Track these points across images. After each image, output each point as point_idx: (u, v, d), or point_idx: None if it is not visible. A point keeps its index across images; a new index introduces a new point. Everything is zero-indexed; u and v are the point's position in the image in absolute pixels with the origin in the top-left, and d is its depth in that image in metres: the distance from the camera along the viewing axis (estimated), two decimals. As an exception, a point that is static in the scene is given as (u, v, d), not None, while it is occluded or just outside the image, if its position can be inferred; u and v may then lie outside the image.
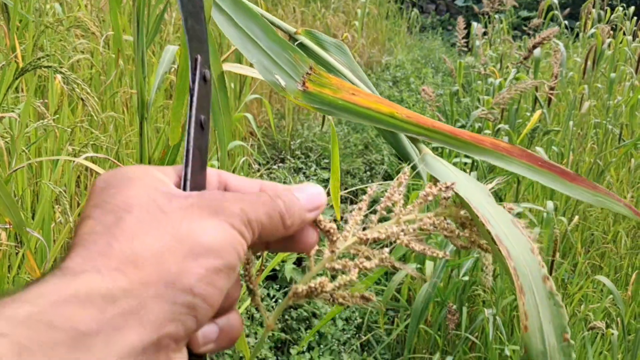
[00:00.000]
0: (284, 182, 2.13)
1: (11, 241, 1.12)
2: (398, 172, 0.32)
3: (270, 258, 1.88)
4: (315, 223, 0.31)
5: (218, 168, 0.35)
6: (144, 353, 0.22)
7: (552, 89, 2.04)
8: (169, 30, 2.48)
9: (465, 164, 2.19)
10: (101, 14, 2.14)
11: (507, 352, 1.54)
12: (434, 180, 0.31)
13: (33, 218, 1.23)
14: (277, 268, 2.07)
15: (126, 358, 0.22)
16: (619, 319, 1.59)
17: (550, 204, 1.78)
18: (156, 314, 0.23)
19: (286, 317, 1.92)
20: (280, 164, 2.97)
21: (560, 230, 1.96)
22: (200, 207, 0.27)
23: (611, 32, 3.14)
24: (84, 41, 1.86)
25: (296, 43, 0.39)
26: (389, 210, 0.31)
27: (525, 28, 3.52)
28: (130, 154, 1.74)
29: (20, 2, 1.26)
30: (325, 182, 2.77)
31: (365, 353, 1.89)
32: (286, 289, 1.99)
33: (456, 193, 0.30)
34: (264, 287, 1.99)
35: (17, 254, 1.16)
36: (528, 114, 2.54)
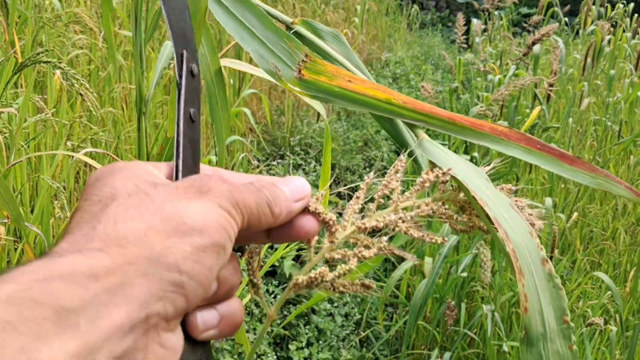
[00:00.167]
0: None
1: (10, 236, 1.12)
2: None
3: (270, 254, 1.88)
4: (316, 214, 0.31)
5: (216, 162, 0.35)
6: (132, 330, 0.22)
7: (551, 85, 2.04)
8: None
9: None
10: (99, 9, 2.14)
11: (506, 348, 1.54)
12: (432, 166, 0.31)
13: (32, 213, 1.23)
14: (277, 264, 2.08)
15: (114, 334, 0.21)
16: (617, 315, 1.59)
17: (548, 201, 1.78)
18: (142, 291, 0.23)
19: (285, 313, 1.92)
20: (279, 160, 2.97)
21: (559, 227, 1.96)
22: (185, 188, 0.27)
23: (611, 29, 3.14)
24: (82, 36, 1.86)
25: (292, 32, 0.39)
26: (387, 198, 0.31)
27: (525, 25, 3.51)
28: (130, 149, 1.74)
29: (18, -4, 1.26)
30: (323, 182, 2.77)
31: (364, 349, 1.90)
32: (285, 284, 1.99)
33: (454, 177, 0.30)
34: (263, 284, 1.99)
35: (16, 249, 1.16)
36: (527, 110, 2.54)
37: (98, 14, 2.08)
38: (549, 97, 2.12)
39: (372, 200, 0.31)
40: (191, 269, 0.24)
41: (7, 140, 1.11)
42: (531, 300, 0.26)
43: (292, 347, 1.79)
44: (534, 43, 1.88)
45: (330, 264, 0.31)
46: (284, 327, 1.86)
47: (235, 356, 1.66)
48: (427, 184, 0.30)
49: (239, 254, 0.32)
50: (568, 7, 4.59)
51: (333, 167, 3.02)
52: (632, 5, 3.65)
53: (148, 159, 0.94)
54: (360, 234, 0.31)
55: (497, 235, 0.28)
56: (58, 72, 1.43)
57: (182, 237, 0.24)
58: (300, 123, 3.35)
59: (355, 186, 0.32)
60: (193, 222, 0.25)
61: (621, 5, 3.53)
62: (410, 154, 0.32)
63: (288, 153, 3.02)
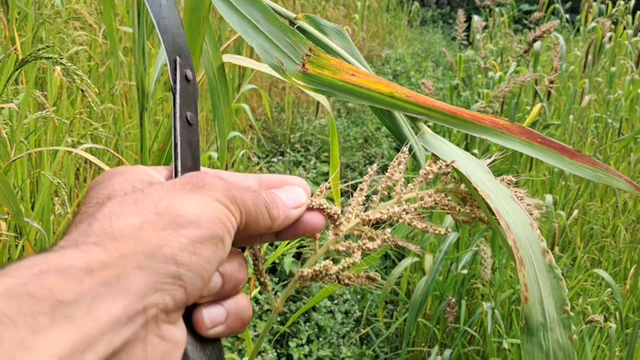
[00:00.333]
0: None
1: (11, 232, 1.12)
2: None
3: (270, 251, 1.88)
4: (320, 209, 0.31)
5: (217, 158, 0.36)
6: (131, 322, 0.22)
7: (551, 82, 2.04)
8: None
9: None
10: (100, 5, 2.13)
11: (506, 345, 1.55)
12: (434, 158, 0.32)
13: (32, 210, 1.23)
14: (277, 261, 2.08)
15: (111, 326, 0.21)
16: (617, 312, 1.59)
17: (549, 198, 1.78)
18: (138, 284, 0.23)
19: (285, 310, 1.92)
20: (279, 157, 2.97)
21: (560, 224, 1.96)
22: (182, 184, 0.27)
23: (612, 26, 3.13)
24: (82, 33, 1.86)
25: (295, 27, 0.39)
26: (390, 190, 0.31)
27: (526, 21, 3.51)
28: (130, 146, 1.74)
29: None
30: (324, 176, 2.77)
31: (364, 346, 1.90)
32: (285, 281, 2.00)
33: (456, 170, 0.30)
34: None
35: (16, 246, 1.16)
36: (528, 107, 2.54)
37: (98, 10, 2.08)
38: (549, 94, 2.12)
39: (375, 192, 0.31)
40: (188, 261, 0.24)
41: (8, 135, 1.11)
42: (531, 291, 0.26)
43: (292, 344, 1.79)
44: (534, 40, 1.88)
45: (335, 257, 0.31)
46: (283, 324, 1.87)
47: (235, 353, 1.67)
48: (430, 176, 0.30)
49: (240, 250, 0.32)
50: (569, 4, 4.59)
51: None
52: (632, 2, 3.65)
53: (149, 155, 0.94)
54: (364, 226, 0.31)
55: (498, 227, 0.28)
56: (58, 68, 1.43)
57: (178, 229, 0.25)
58: (301, 120, 3.35)
59: (356, 183, 0.32)
60: (189, 215, 0.25)
61: (622, 3, 3.52)
62: (410, 149, 0.32)
63: (288, 150, 3.02)
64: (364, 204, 0.32)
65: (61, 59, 0.96)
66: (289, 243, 1.32)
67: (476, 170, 0.30)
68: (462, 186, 0.30)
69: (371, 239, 0.31)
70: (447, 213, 0.30)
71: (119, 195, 0.26)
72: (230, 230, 0.27)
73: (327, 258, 0.32)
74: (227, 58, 0.78)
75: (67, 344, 0.20)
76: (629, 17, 3.51)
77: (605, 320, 1.58)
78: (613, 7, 3.50)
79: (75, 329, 0.20)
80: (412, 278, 1.99)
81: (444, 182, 0.31)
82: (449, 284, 1.70)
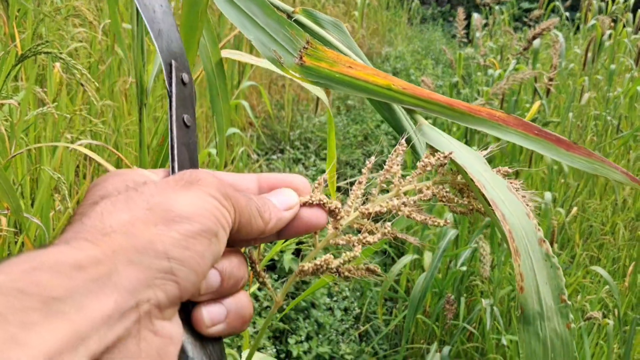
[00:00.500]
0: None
1: (11, 227, 1.12)
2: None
3: (269, 248, 1.89)
4: (320, 204, 0.31)
5: (216, 154, 0.36)
6: (123, 318, 0.22)
7: (551, 80, 2.04)
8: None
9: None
10: (99, 2, 2.13)
11: (504, 342, 1.55)
12: (432, 150, 0.32)
13: (32, 206, 1.24)
14: (276, 258, 2.08)
15: (103, 322, 0.21)
16: (615, 309, 1.60)
17: (548, 195, 1.79)
18: (130, 279, 0.23)
19: (284, 307, 1.92)
20: (279, 155, 2.97)
21: (559, 222, 1.97)
22: (175, 181, 0.27)
23: (612, 23, 3.13)
24: (81, 29, 1.86)
25: (293, 20, 0.39)
26: (389, 183, 0.31)
27: (526, 19, 3.51)
28: (129, 143, 1.74)
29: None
30: (324, 173, 2.77)
31: (363, 343, 1.90)
32: (284, 278, 2.00)
33: (454, 161, 0.30)
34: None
35: (16, 242, 1.16)
36: (527, 105, 2.54)
37: (98, 7, 2.07)
38: (548, 91, 2.12)
39: (374, 185, 0.32)
40: (180, 256, 0.24)
41: (8, 132, 1.11)
42: (527, 280, 0.26)
43: (291, 340, 1.79)
44: (534, 37, 1.88)
45: (334, 251, 0.31)
46: (283, 321, 1.87)
47: (235, 349, 1.67)
48: (428, 168, 0.30)
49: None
50: (569, 2, 4.58)
51: (333, 162, 3.01)
52: (632, 0, 3.64)
53: (148, 152, 0.94)
54: (363, 219, 0.31)
55: (494, 217, 0.28)
56: (58, 64, 1.43)
57: (169, 224, 0.24)
58: (300, 117, 3.35)
59: (355, 180, 0.33)
60: (181, 210, 0.25)
61: (621, 0, 3.52)
62: (408, 142, 0.32)
63: (288, 147, 3.02)
64: (363, 197, 0.32)
65: (60, 53, 0.96)
66: (286, 240, 1.32)
67: (473, 161, 0.30)
68: (459, 178, 0.30)
69: (371, 232, 0.31)
70: (445, 204, 0.30)
71: (111, 195, 0.26)
72: (224, 225, 0.26)
73: (326, 252, 0.32)
74: (225, 53, 0.79)
75: (58, 340, 0.20)
76: (629, 14, 3.51)
77: (604, 317, 1.59)
78: (613, 5, 3.49)
79: (66, 325, 0.20)
80: (412, 275, 1.99)
81: (442, 173, 0.31)
82: (448, 280, 1.71)
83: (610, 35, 2.95)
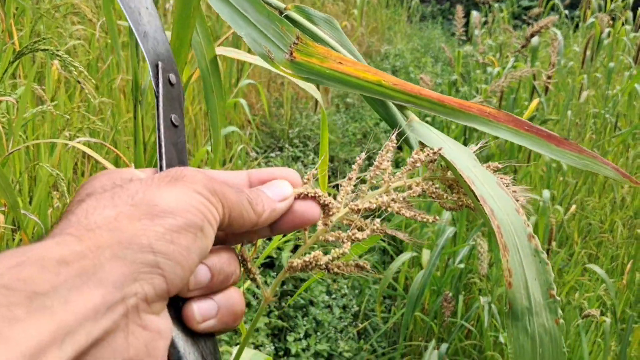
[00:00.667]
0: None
1: (8, 224, 1.12)
2: (396, 161, 0.33)
3: (266, 245, 1.89)
4: (314, 197, 0.31)
5: (211, 151, 0.36)
6: (110, 312, 0.22)
7: (549, 77, 2.04)
8: (161, 14, 2.47)
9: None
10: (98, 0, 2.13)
11: (502, 340, 1.55)
12: (422, 146, 0.32)
13: (30, 203, 1.24)
14: (274, 256, 2.08)
15: (89, 316, 0.21)
16: (612, 307, 1.60)
17: (546, 193, 1.78)
18: (115, 273, 0.23)
19: (283, 304, 1.93)
20: (278, 152, 2.97)
21: (557, 220, 1.97)
22: (160, 178, 0.27)
23: (611, 21, 3.13)
24: (80, 27, 1.86)
25: (283, 15, 0.39)
26: (379, 179, 0.31)
27: (525, 17, 3.51)
28: (128, 140, 1.74)
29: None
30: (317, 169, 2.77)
31: (361, 340, 1.91)
32: (283, 276, 2.00)
33: (443, 157, 0.30)
34: (261, 275, 1.99)
35: (14, 239, 1.16)
36: (526, 103, 2.54)
37: (96, 4, 2.07)
38: (547, 89, 2.12)
39: (364, 181, 0.32)
40: (165, 249, 0.24)
41: (5, 129, 1.11)
42: (515, 275, 0.26)
43: (290, 338, 1.80)
44: (532, 35, 1.87)
45: (325, 245, 0.31)
46: (281, 319, 1.87)
47: (234, 346, 1.67)
48: (418, 164, 0.30)
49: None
50: (568, 0, 4.58)
51: (332, 160, 3.02)
52: (632, -2, 3.64)
53: (145, 148, 0.94)
54: (353, 215, 0.31)
55: (483, 212, 0.28)
56: (56, 62, 1.43)
57: (154, 219, 0.25)
58: (299, 115, 3.35)
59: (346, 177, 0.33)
60: (166, 205, 0.25)
61: (621, -1, 3.52)
62: (402, 136, 0.32)
63: (287, 145, 3.02)
64: (353, 192, 0.32)
65: (58, 51, 0.96)
66: (284, 235, 1.32)
67: (462, 157, 0.30)
68: (449, 173, 0.30)
69: (360, 228, 0.31)
70: (435, 201, 0.30)
71: (97, 192, 0.26)
72: (210, 220, 0.26)
73: (315, 248, 0.32)
74: (220, 50, 0.78)
75: (44, 335, 0.20)
76: (629, 12, 3.50)
77: (602, 315, 1.59)
78: (612, 3, 3.49)
79: (52, 320, 0.20)
80: (410, 273, 2.00)
81: (432, 169, 0.31)
82: (446, 278, 1.71)
83: (609, 33, 2.95)
